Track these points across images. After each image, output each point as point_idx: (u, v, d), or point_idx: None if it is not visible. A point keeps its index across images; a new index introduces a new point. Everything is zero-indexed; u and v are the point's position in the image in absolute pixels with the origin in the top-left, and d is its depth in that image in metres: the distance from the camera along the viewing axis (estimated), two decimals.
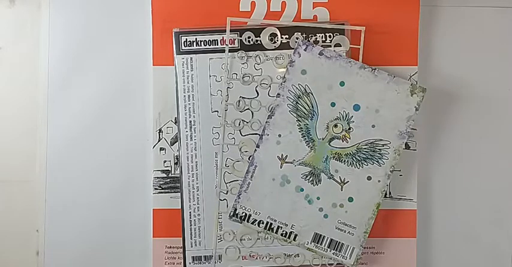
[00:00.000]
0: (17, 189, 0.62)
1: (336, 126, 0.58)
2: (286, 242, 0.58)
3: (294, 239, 0.58)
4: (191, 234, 0.60)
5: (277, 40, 0.59)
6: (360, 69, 0.58)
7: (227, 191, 0.60)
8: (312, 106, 0.58)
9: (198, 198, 0.60)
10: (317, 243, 0.58)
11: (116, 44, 0.62)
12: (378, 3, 0.60)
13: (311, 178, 0.58)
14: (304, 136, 0.58)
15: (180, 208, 0.60)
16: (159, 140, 0.61)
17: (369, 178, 0.58)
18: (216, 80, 0.60)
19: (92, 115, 0.62)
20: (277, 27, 0.59)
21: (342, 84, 0.58)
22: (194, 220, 0.60)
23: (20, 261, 0.62)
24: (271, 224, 0.58)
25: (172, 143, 0.61)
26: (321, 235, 0.58)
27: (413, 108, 0.57)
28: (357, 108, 0.58)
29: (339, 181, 0.58)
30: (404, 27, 0.60)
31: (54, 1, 0.62)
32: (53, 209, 0.62)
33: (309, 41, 0.58)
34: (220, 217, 0.60)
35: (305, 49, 0.58)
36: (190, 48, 0.59)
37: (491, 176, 0.62)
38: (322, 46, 0.58)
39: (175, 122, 0.60)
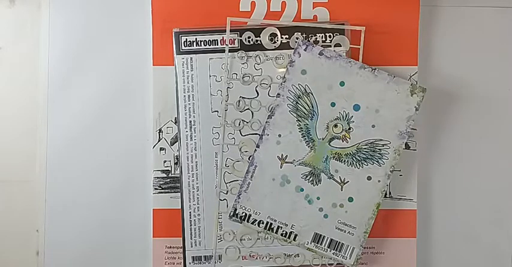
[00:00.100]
0: (17, 189, 0.62)
1: (336, 126, 0.58)
2: (286, 242, 0.58)
3: (294, 239, 0.58)
4: (191, 234, 0.60)
5: (277, 40, 0.59)
6: (360, 69, 0.58)
7: (227, 191, 0.60)
8: (312, 106, 0.58)
9: (198, 198, 0.60)
10: (317, 243, 0.58)
11: (116, 44, 0.62)
12: (378, 3, 0.60)
13: (311, 178, 0.58)
14: (304, 136, 0.58)
15: (180, 208, 0.60)
16: (159, 140, 0.61)
17: (369, 178, 0.58)
18: (216, 80, 0.60)
19: (92, 115, 0.62)
20: (277, 27, 0.59)
21: (342, 84, 0.58)
22: (194, 220, 0.60)
23: (20, 261, 0.62)
24: (271, 224, 0.58)
25: (172, 143, 0.61)
26: (321, 235, 0.58)
27: (413, 108, 0.57)
28: (357, 108, 0.58)
29: (339, 181, 0.58)
30: (404, 27, 0.60)
31: (54, 1, 0.62)
32: (53, 209, 0.62)
33: (309, 41, 0.58)
34: (220, 217, 0.60)
35: (305, 49, 0.58)
36: (190, 48, 0.59)
37: (491, 176, 0.62)
38: (322, 46, 0.58)
39: (175, 122, 0.60)
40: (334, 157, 0.58)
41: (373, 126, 0.58)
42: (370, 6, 0.60)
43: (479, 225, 0.62)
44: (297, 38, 0.59)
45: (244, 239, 0.60)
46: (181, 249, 0.60)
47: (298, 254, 0.60)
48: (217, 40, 0.59)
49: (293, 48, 0.58)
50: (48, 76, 0.62)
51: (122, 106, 0.62)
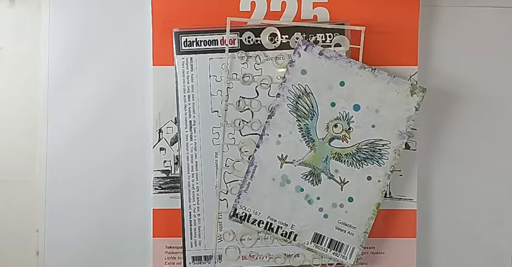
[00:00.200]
0: (17, 189, 0.62)
1: (336, 126, 0.58)
2: (286, 242, 0.58)
3: (294, 239, 0.58)
4: (191, 234, 0.60)
5: (277, 40, 0.59)
6: (360, 69, 0.58)
7: (227, 191, 0.60)
8: (312, 106, 0.58)
9: (198, 198, 0.60)
10: (317, 243, 0.58)
11: (116, 43, 0.62)
12: (378, 3, 0.60)
13: (311, 178, 0.58)
14: (304, 136, 0.58)
15: (180, 208, 0.60)
16: (159, 140, 0.61)
17: (369, 178, 0.58)
18: (216, 80, 0.60)
19: (92, 115, 0.62)
20: (277, 27, 0.59)
21: (342, 84, 0.58)
22: (194, 220, 0.60)
23: (20, 261, 0.62)
24: (271, 224, 0.58)
25: (172, 143, 0.61)
26: (321, 235, 0.58)
27: (413, 108, 0.57)
28: (357, 108, 0.58)
29: (339, 181, 0.58)
30: (404, 27, 0.60)
31: (54, 1, 0.62)
32: (53, 209, 0.62)
33: (309, 41, 0.58)
34: (220, 217, 0.60)
35: (305, 49, 0.58)
36: (190, 48, 0.59)
37: (491, 176, 0.62)
38: (322, 46, 0.58)
39: (175, 122, 0.60)
40: (334, 157, 0.58)
41: (373, 126, 0.58)
42: (370, 6, 0.60)
43: (479, 225, 0.62)
44: (297, 38, 0.59)
45: (244, 239, 0.60)
46: (181, 249, 0.60)
47: (298, 254, 0.60)
48: (217, 40, 0.59)
49: (293, 48, 0.58)
50: (48, 76, 0.62)
51: (122, 106, 0.62)
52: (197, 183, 0.60)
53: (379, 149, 0.58)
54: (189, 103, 0.60)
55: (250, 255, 0.60)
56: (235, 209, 0.58)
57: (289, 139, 0.58)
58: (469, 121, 0.62)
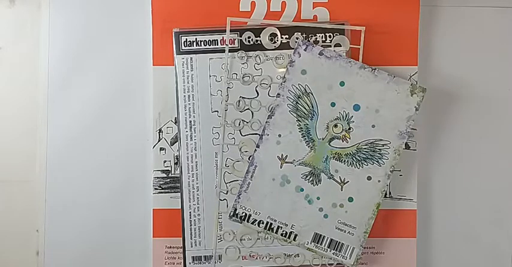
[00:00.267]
0: (17, 189, 0.62)
1: (336, 126, 0.58)
2: (286, 242, 0.58)
3: (294, 239, 0.58)
4: (191, 234, 0.60)
5: (277, 40, 0.59)
6: (360, 69, 0.58)
7: (227, 191, 0.60)
8: (312, 106, 0.58)
9: (198, 198, 0.60)
10: (317, 243, 0.58)
11: (116, 43, 0.62)
12: (378, 3, 0.60)
13: (311, 178, 0.58)
14: (304, 136, 0.58)
15: (180, 208, 0.60)
16: (159, 140, 0.61)
17: (369, 178, 0.58)
18: (216, 80, 0.60)
19: (92, 115, 0.62)
20: (277, 27, 0.59)
21: (342, 84, 0.58)
22: (194, 220, 0.60)
23: (20, 261, 0.62)
24: (271, 224, 0.58)
25: (172, 143, 0.61)
26: (321, 235, 0.58)
27: (413, 108, 0.57)
28: (357, 108, 0.58)
29: (339, 181, 0.58)
30: (404, 27, 0.60)
31: (54, 1, 0.62)
32: (53, 209, 0.62)
33: (309, 41, 0.58)
34: (220, 217, 0.60)
35: (305, 49, 0.58)
36: (190, 48, 0.59)
37: (491, 176, 0.62)
38: (322, 46, 0.58)
39: (175, 122, 0.60)
40: (334, 157, 0.58)
41: (373, 126, 0.58)
42: (370, 6, 0.60)
43: (479, 225, 0.62)
44: (297, 38, 0.59)
45: (244, 239, 0.60)
46: (181, 249, 0.60)
47: (298, 254, 0.60)
48: (217, 40, 0.59)
49: (293, 48, 0.58)
50: (48, 76, 0.62)
51: (122, 106, 0.62)
52: (197, 183, 0.60)
53: (379, 149, 0.58)
54: (189, 103, 0.60)
55: (250, 255, 0.60)
56: (235, 209, 0.58)
57: (289, 139, 0.58)
58: (469, 121, 0.62)
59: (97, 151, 0.62)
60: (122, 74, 0.62)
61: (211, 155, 0.60)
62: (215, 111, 0.60)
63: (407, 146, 0.60)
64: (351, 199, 0.58)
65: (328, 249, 0.58)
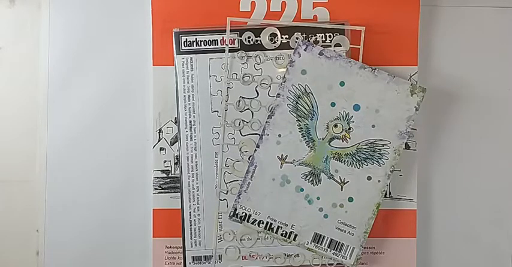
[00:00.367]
0: (17, 189, 0.62)
1: (336, 126, 0.58)
2: (286, 242, 0.58)
3: (294, 239, 0.58)
4: (191, 234, 0.60)
5: (277, 40, 0.59)
6: (360, 69, 0.58)
7: (227, 191, 0.60)
8: (312, 106, 0.58)
9: (198, 198, 0.60)
10: (317, 243, 0.58)
11: (116, 43, 0.62)
12: (378, 3, 0.60)
13: (311, 178, 0.58)
14: (304, 136, 0.58)
15: (180, 208, 0.60)
16: (159, 140, 0.61)
17: (369, 178, 0.58)
18: (216, 80, 0.60)
19: (92, 115, 0.62)
20: (277, 27, 0.59)
21: (342, 84, 0.58)
22: (194, 220, 0.60)
23: (20, 261, 0.62)
24: (271, 224, 0.58)
25: (172, 143, 0.61)
26: (321, 235, 0.58)
27: (413, 108, 0.57)
28: (357, 108, 0.58)
29: (339, 181, 0.58)
30: (404, 27, 0.60)
31: (54, 1, 0.62)
32: (53, 209, 0.62)
33: (309, 41, 0.58)
34: (220, 217, 0.60)
35: (305, 49, 0.58)
36: (190, 48, 0.59)
37: (491, 176, 0.62)
38: (322, 46, 0.58)
39: (175, 122, 0.60)
40: (334, 157, 0.58)
41: (373, 126, 0.58)
42: (370, 6, 0.60)
43: (479, 225, 0.62)
44: (297, 38, 0.59)
45: (244, 239, 0.60)
46: (181, 249, 0.60)
47: (298, 254, 0.60)
48: (217, 40, 0.59)
49: (293, 48, 0.58)
50: (48, 76, 0.62)
51: (122, 106, 0.62)
52: (197, 183, 0.60)
53: (379, 149, 0.58)
54: (189, 103, 0.60)
55: (250, 255, 0.60)
56: (235, 209, 0.58)
57: (289, 139, 0.58)
58: (469, 121, 0.62)
59: (97, 151, 0.62)
60: (122, 74, 0.62)
61: (211, 155, 0.60)
62: (215, 111, 0.60)
63: (407, 146, 0.60)
64: (351, 199, 0.58)
65: (328, 249, 0.58)
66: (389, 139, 0.58)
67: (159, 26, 0.60)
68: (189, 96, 0.60)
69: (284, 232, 0.58)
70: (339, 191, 0.58)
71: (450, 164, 0.62)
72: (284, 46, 0.59)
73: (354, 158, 0.58)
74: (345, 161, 0.58)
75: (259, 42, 0.59)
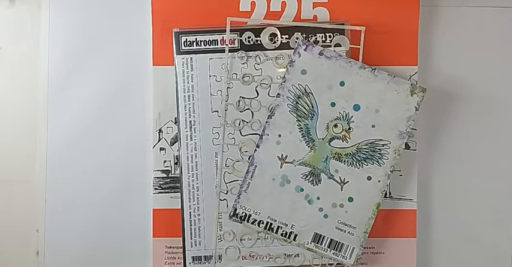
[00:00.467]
0: (17, 189, 0.62)
1: (336, 126, 0.58)
2: (286, 242, 0.58)
3: (294, 239, 0.58)
4: (191, 234, 0.60)
5: (277, 40, 0.59)
6: (360, 69, 0.58)
7: (227, 191, 0.60)
8: (312, 106, 0.58)
9: (198, 198, 0.60)
10: (317, 243, 0.58)
11: (116, 43, 0.62)
12: (378, 3, 0.60)
13: (311, 178, 0.58)
14: (304, 136, 0.58)
15: (180, 208, 0.60)
16: (159, 140, 0.61)
17: (369, 178, 0.58)
18: (216, 80, 0.60)
19: (92, 115, 0.62)
20: (277, 27, 0.59)
21: (342, 84, 0.58)
22: (194, 220, 0.60)
23: (20, 261, 0.62)
24: (271, 224, 0.58)
25: (172, 143, 0.61)
26: (321, 235, 0.58)
27: (413, 108, 0.57)
28: (357, 108, 0.58)
29: (339, 181, 0.58)
30: (404, 27, 0.60)
31: (54, 1, 0.62)
32: (53, 209, 0.62)
33: (309, 41, 0.58)
34: (220, 217, 0.60)
35: (305, 49, 0.58)
36: (190, 48, 0.59)
37: (491, 176, 0.62)
38: (322, 46, 0.58)
39: (175, 122, 0.60)
40: (334, 157, 0.58)
41: (373, 126, 0.58)
42: (370, 6, 0.60)
43: (479, 225, 0.62)
44: (297, 38, 0.59)
45: (244, 239, 0.60)
46: (181, 249, 0.60)
47: (298, 254, 0.60)
48: (217, 40, 0.59)
49: (293, 48, 0.58)
50: (48, 76, 0.62)
51: (122, 106, 0.62)
52: (197, 183, 0.60)
53: (379, 149, 0.58)
54: (189, 103, 0.60)
55: (250, 255, 0.60)
56: (235, 209, 0.58)
57: (289, 139, 0.58)
58: (469, 121, 0.62)
59: (97, 151, 0.62)
60: (122, 74, 0.62)
61: (211, 155, 0.60)
62: (215, 111, 0.60)
63: (407, 146, 0.60)
64: (351, 199, 0.58)
65: (328, 249, 0.58)
66: (389, 139, 0.58)
67: (159, 26, 0.60)
68: (189, 96, 0.60)
69: (284, 232, 0.58)
70: (339, 191, 0.58)
71: (450, 164, 0.62)
72: (284, 46, 0.59)
73: (354, 158, 0.58)
74: (345, 161, 0.58)
75: (259, 42, 0.59)
